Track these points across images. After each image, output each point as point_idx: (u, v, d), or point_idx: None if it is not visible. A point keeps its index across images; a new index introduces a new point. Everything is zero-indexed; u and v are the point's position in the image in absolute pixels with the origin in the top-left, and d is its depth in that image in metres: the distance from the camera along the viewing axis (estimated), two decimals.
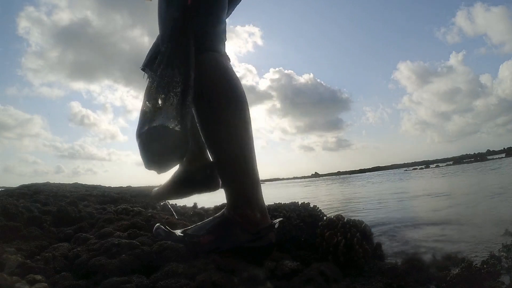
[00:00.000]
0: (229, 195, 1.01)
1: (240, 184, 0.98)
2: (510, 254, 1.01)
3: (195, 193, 1.19)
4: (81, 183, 6.82)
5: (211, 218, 1.09)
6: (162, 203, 3.00)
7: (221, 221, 1.02)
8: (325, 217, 1.43)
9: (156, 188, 1.33)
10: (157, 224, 1.13)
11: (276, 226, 1.01)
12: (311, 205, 1.54)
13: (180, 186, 1.19)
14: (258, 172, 1.00)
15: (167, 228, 1.10)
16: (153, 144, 0.89)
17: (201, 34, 0.94)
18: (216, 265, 0.94)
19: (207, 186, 1.15)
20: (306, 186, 10.65)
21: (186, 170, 1.22)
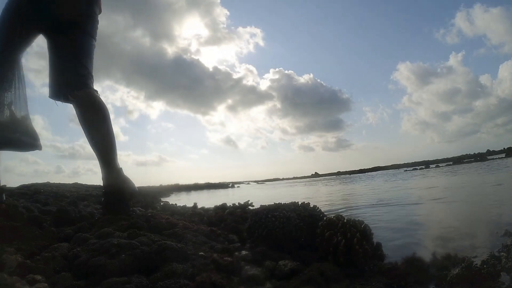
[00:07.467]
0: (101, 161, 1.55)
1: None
2: (510, 254, 1.00)
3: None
4: (81, 183, 6.82)
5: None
6: (162, 203, 2.98)
7: None
8: (325, 217, 1.43)
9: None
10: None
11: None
12: (311, 205, 1.54)
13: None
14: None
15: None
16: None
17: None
18: (216, 265, 0.94)
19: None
20: (310, 186, 10.57)
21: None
